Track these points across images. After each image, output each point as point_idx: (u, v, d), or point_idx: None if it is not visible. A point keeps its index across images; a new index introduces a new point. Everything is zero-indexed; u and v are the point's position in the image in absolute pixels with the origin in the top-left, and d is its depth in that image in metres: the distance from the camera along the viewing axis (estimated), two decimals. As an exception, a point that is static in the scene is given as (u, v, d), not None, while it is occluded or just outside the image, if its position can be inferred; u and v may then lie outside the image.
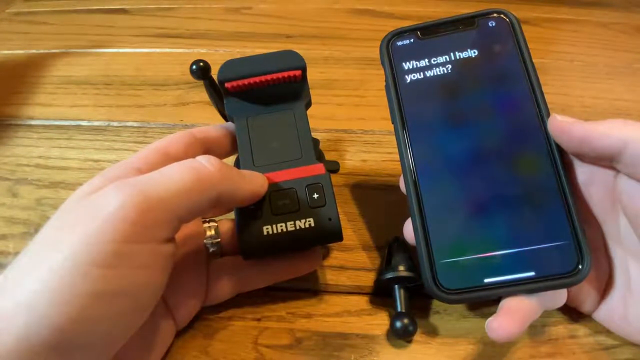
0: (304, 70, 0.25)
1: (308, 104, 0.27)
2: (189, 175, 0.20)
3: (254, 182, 0.23)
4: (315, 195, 0.24)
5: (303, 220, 0.23)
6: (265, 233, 0.23)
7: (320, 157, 0.34)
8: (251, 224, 0.23)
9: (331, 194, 0.24)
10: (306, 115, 0.26)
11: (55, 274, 0.17)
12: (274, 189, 0.24)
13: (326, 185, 0.24)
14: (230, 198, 0.21)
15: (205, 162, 0.21)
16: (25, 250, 0.18)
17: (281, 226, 0.23)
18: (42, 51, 0.49)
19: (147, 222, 0.18)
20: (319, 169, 0.24)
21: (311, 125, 0.26)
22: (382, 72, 0.26)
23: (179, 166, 0.20)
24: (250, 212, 0.24)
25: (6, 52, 0.50)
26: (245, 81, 0.25)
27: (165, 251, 0.19)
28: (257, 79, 0.25)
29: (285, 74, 0.25)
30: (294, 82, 0.26)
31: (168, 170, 0.20)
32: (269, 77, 0.25)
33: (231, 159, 0.30)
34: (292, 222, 0.23)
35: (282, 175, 0.24)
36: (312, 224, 0.23)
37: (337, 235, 0.24)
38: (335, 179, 0.34)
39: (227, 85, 0.25)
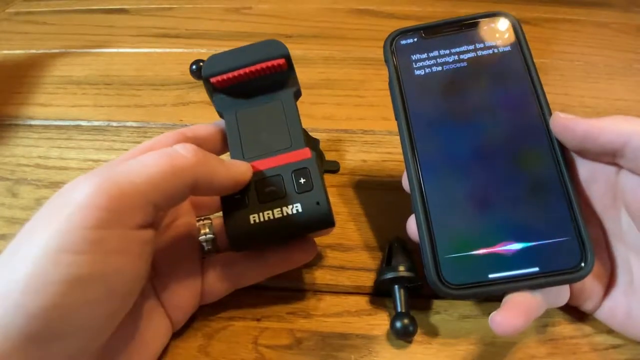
0: (287, 58, 0.25)
1: (297, 93, 0.26)
2: (161, 160, 0.20)
3: (234, 169, 0.23)
4: (302, 180, 0.23)
5: (290, 206, 0.23)
6: (252, 222, 0.23)
7: (320, 157, 0.34)
8: (237, 214, 0.23)
9: (318, 178, 0.23)
10: (294, 103, 0.26)
11: (27, 262, 0.17)
12: (260, 177, 0.24)
13: (312, 169, 0.23)
14: (208, 184, 0.21)
15: (180, 149, 0.21)
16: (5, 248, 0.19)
17: (268, 214, 0.23)
18: (42, 51, 0.49)
19: (119, 208, 0.18)
20: (304, 153, 0.24)
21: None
22: (382, 72, 0.26)
23: (153, 154, 0.20)
24: (236, 202, 0.23)
25: (6, 52, 0.50)
26: (230, 75, 0.25)
27: (140, 237, 0.19)
28: (241, 72, 0.25)
29: (269, 63, 0.25)
30: (279, 72, 0.25)
31: (142, 158, 0.20)
32: (252, 68, 0.25)
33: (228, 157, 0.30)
34: (279, 209, 0.23)
35: (268, 163, 0.24)
36: (300, 209, 0.23)
37: (327, 219, 0.23)
38: (335, 179, 0.34)
39: (212, 80, 0.25)
